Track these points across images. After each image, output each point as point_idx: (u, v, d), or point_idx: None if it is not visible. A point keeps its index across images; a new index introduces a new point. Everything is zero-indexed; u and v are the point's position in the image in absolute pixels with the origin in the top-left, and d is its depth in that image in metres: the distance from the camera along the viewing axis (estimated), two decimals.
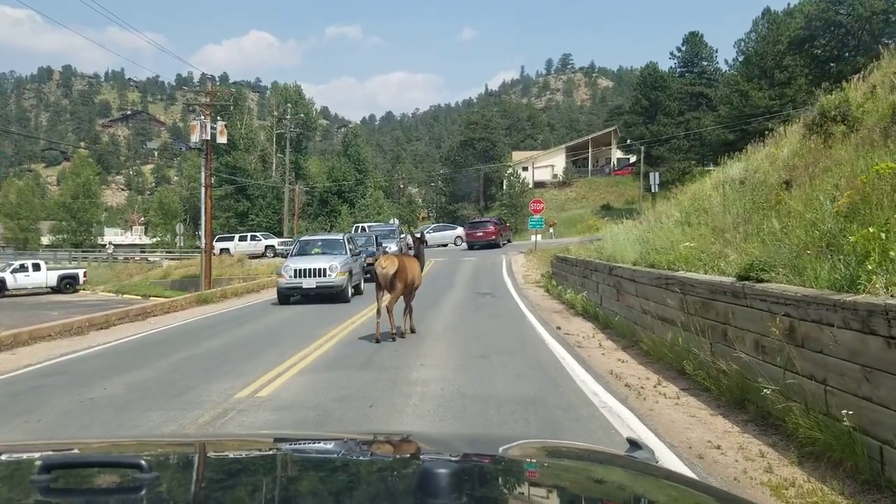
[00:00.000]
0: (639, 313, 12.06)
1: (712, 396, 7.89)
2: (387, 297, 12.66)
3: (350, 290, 20.68)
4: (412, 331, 13.36)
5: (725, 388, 7.66)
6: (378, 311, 12.68)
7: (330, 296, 19.90)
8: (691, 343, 8.83)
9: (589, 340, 12.81)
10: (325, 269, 19.95)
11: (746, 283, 7.50)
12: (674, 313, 9.90)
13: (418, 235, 15.38)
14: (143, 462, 1.48)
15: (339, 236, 23.58)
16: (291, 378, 9.49)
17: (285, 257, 23.15)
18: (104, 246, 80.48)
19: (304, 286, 19.89)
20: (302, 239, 24.47)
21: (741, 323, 7.61)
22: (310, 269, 20.01)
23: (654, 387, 8.65)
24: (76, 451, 2.08)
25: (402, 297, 13.06)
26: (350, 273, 20.75)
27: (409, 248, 43.69)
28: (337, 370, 9.97)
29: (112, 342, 13.98)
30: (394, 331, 12.67)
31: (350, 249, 22.11)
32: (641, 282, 11.97)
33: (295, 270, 20.13)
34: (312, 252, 21.81)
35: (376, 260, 13.25)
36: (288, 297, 20.44)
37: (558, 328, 14.38)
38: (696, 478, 4.47)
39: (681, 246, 12.02)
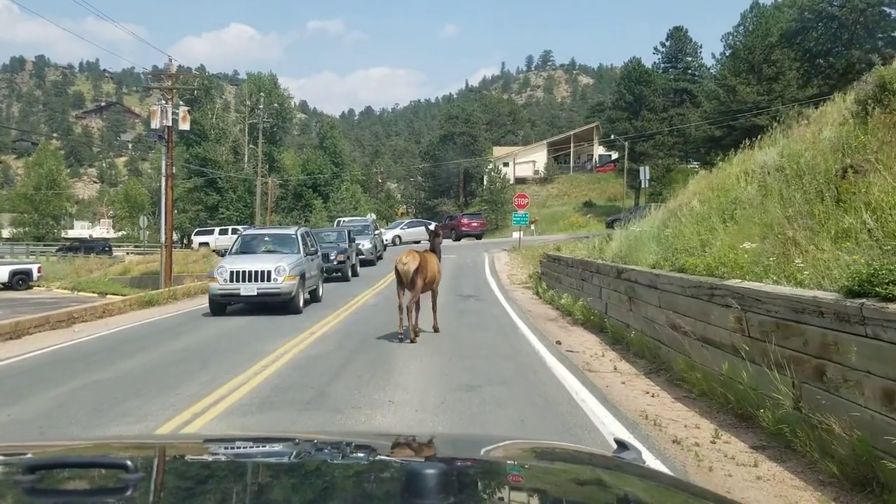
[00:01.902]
0: (664, 329, 9.64)
1: (806, 461, 5.48)
2: (407, 294, 12.26)
3: (302, 298, 16.72)
4: (435, 329, 12.80)
5: (835, 457, 5.21)
6: (400, 309, 12.18)
7: (276, 305, 16.14)
8: (762, 382, 6.40)
9: (599, 361, 10.36)
10: (269, 272, 15.97)
11: (866, 302, 5.08)
12: (725, 335, 7.47)
13: (432, 228, 14.86)
14: (128, 462, 1.44)
15: (291, 231, 19.07)
16: (210, 423, 6.92)
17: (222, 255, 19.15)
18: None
19: (243, 293, 16.01)
20: (246, 233, 19.73)
21: (854, 360, 5.18)
22: (250, 272, 16.04)
23: (713, 442, 6.20)
24: (61, 451, 2.02)
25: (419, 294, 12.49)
26: (302, 277, 16.73)
27: (385, 247, 41.41)
28: (275, 410, 7.42)
29: (9, 359, 11.19)
30: (413, 334, 12.06)
31: (305, 247, 18.11)
32: (668, 290, 9.55)
33: (231, 273, 16.10)
34: (258, 250, 17.84)
35: (398, 260, 12.50)
36: (222, 306, 16.52)
37: (558, 343, 11.93)
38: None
39: (720, 243, 9.62)
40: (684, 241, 11.47)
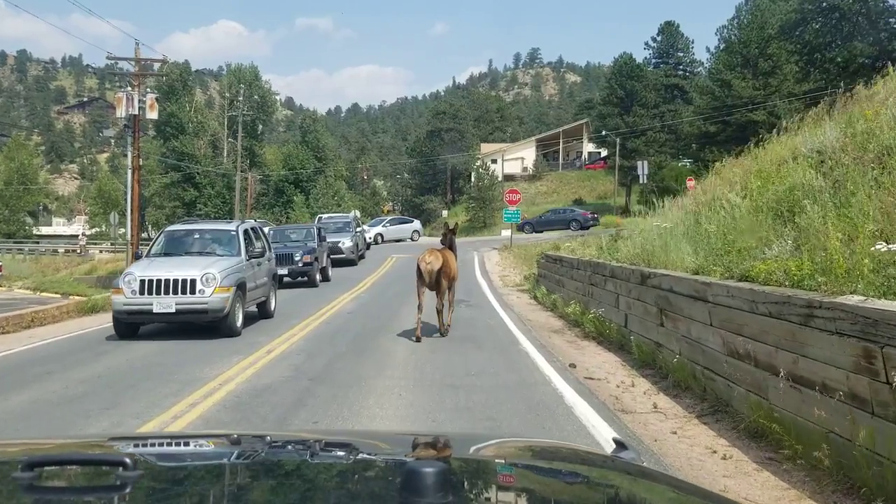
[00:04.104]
0: (719, 356, 7.29)
1: None
2: (427, 293, 12.18)
3: (241, 315, 12.91)
4: (444, 333, 12.31)
5: None
6: (419, 308, 11.92)
7: (204, 325, 12.40)
8: None
9: (631, 394, 8.01)
10: (192, 282, 12.11)
11: None
12: (837, 377, 5.13)
13: (452, 227, 14.04)
14: (127, 460, 1.45)
15: (231, 226, 14.70)
16: None
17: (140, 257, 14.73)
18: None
19: (157, 309, 12.03)
20: (170, 229, 15.30)
21: None
22: (167, 281, 12.11)
23: None
24: (60, 448, 2.01)
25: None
26: (241, 287, 12.91)
27: (368, 245, 38.99)
28: None
29: None
30: (442, 328, 12.23)
31: (249, 248, 14.13)
32: (725, 304, 7.19)
33: (141, 282, 12.16)
34: (184, 251, 13.82)
35: (420, 259, 12.38)
36: (132, 327, 12.60)
37: (572, 366, 9.58)
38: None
39: (789, 243, 7.29)
40: (729, 240, 9.18)
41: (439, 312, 12.16)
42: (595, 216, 52.48)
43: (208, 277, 12.20)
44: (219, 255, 13.49)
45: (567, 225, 50.10)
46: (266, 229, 19.73)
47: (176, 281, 12.15)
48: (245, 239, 14.18)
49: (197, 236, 14.39)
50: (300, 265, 21.94)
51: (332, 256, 26.65)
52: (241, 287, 12.89)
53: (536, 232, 47.19)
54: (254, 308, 14.45)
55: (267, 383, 8.49)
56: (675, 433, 6.43)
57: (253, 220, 18.59)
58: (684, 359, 8.18)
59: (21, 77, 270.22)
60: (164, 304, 12.06)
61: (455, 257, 13.12)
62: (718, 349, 7.35)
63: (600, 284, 12.98)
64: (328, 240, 27.22)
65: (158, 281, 12.16)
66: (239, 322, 12.77)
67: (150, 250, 14.19)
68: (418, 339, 11.52)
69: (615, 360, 10.12)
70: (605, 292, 12.51)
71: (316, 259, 22.55)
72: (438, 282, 11.99)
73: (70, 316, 16.12)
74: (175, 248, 13.96)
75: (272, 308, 15.30)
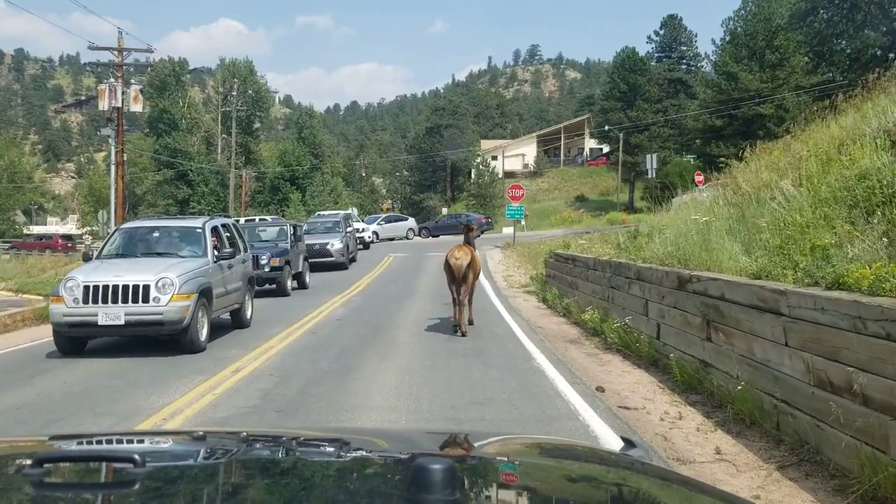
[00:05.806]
0: (803, 386, 5.62)
1: None
2: (461, 289, 12.26)
3: (205, 327, 11.02)
4: (470, 322, 12.61)
5: None
6: (454, 302, 12.32)
7: (161, 338, 10.66)
8: None
9: (681, 431, 6.33)
10: (146, 288, 10.22)
11: None
12: None
13: (465, 224, 14.54)
14: (136, 456, 1.43)
15: (197, 223, 12.55)
16: None
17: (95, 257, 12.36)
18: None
19: (102, 321, 10.16)
20: (126, 226, 13.08)
21: None
22: (115, 288, 10.24)
23: None
24: (69, 444, 2.04)
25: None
26: (205, 294, 11.08)
27: (366, 244, 37.28)
28: None
29: None
30: (464, 327, 12.17)
31: (218, 247, 12.36)
32: (810, 319, 5.53)
33: (86, 289, 10.30)
34: (141, 252, 11.86)
35: (449, 254, 12.52)
36: (76, 342, 10.80)
37: (600, 389, 7.91)
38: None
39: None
40: (787, 235, 7.52)
41: (463, 305, 12.24)
42: (489, 220, 52.61)
43: (164, 283, 10.30)
44: (180, 257, 11.60)
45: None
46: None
47: (126, 287, 10.26)
48: (213, 238, 12.27)
49: (157, 235, 12.36)
50: (267, 270, 18.97)
51: (320, 260, 24.79)
52: (205, 294, 10.99)
53: (433, 236, 49.50)
54: (227, 316, 12.69)
55: (223, 417, 6.80)
56: (757, 497, 4.75)
57: (226, 218, 16.29)
58: (748, 386, 6.50)
59: (18, 76, 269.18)
60: (111, 315, 10.17)
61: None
62: (799, 377, 5.69)
63: (623, 288, 11.32)
64: (317, 241, 25.43)
65: (105, 287, 10.27)
66: (203, 335, 10.88)
67: (101, 251, 12.25)
68: (464, 334, 11.92)
69: (650, 381, 8.45)
70: (630, 297, 10.85)
71: (288, 263, 19.72)
72: (466, 277, 12.15)
73: (26, 324, 14.41)
74: (131, 248, 12.04)
75: (248, 316, 13.44)
